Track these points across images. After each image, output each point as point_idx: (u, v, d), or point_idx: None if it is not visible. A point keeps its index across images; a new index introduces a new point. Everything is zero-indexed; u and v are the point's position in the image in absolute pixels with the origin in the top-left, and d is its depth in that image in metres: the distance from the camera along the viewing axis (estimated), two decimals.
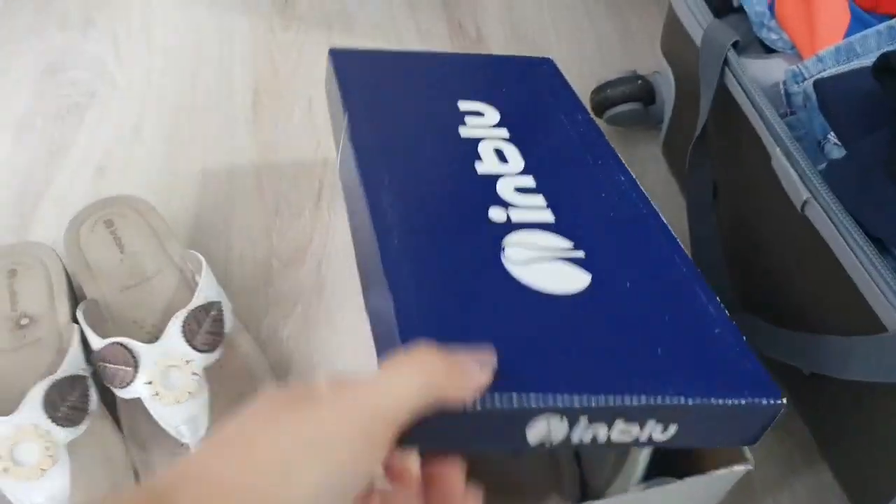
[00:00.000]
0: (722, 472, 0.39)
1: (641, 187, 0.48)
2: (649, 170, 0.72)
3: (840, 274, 0.46)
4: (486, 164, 0.47)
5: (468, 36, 0.84)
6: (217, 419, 0.52)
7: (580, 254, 0.41)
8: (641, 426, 0.33)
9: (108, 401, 0.52)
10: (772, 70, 0.61)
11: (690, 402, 0.33)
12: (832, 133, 0.53)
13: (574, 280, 0.39)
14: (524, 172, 0.47)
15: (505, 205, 0.43)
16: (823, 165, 0.51)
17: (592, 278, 0.39)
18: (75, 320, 0.53)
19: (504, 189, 0.45)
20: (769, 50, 0.65)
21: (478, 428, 0.32)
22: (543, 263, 0.40)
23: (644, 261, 0.42)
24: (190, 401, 0.50)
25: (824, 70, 0.55)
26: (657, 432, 0.34)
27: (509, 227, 0.42)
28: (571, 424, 0.32)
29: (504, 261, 0.39)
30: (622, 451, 0.42)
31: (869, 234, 0.45)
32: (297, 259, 0.65)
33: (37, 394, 0.46)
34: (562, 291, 0.38)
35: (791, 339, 0.52)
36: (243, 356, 0.56)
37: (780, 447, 0.55)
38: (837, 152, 0.53)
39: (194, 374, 0.50)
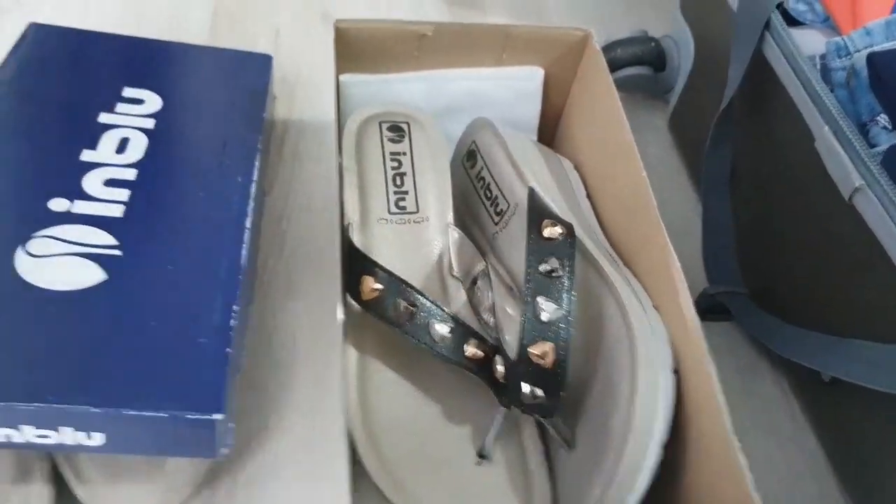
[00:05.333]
0: None
1: (253, 189, 0.46)
2: (650, 141, 0.66)
3: (889, 273, 0.41)
4: (98, 152, 0.45)
5: None
6: None
7: (116, 252, 0.40)
8: (57, 431, 0.34)
9: None
10: (806, 42, 0.55)
11: (100, 410, 0.34)
12: (883, 115, 0.47)
13: (81, 277, 0.38)
14: (133, 165, 0.45)
15: (76, 196, 0.42)
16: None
17: (109, 278, 0.39)
18: None
19: (91, 180, 0.44)
20: (793, 22, 0.59)
21: None
22: (61, 258, 0.39)
23: (183, 264, 0.41)
24: None
25: (873, 45, 0.50)
26: (81, 439, 0.34)
27: (62, 217, 0.41)
28: None
29: (17, 253, 0.38)
30: (607, 482, 0.37)
31: None
32: None
33: None
34: (58, 287, 0.37)
35: (814, 340, 0.46)
36: None
37: (782, 455, 0.50)
38: (886, 137, 0.47)
39: None
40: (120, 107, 0.49)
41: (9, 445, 0.34)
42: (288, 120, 0.61)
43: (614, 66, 0.63)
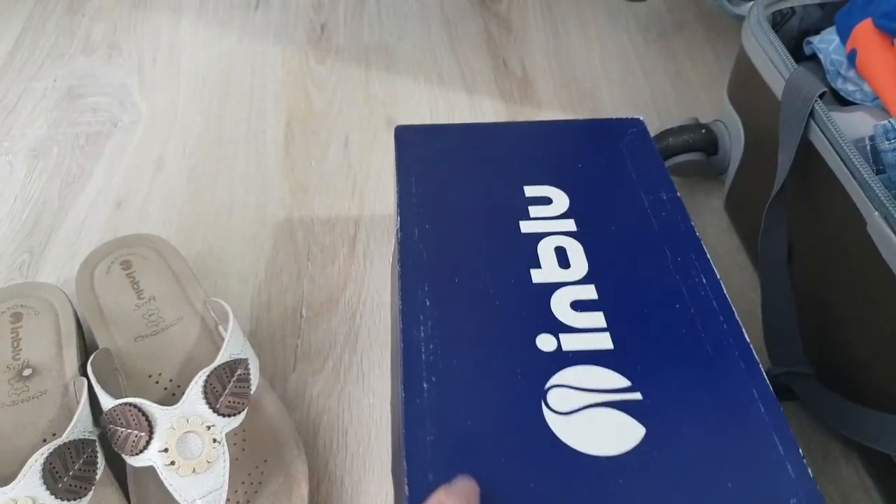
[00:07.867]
0: None
1: (725, 290, 0.41)
2: (708, 223, 0.67)
3: None
4: (545, 271, 0.42)
5: (513, 75, 0.79)
6: (236, 490, 0.47)
7: (636, 396, 0.36)
8: None
9: (117, 467, 0.47)
10: (854, 124, 0.56)
11: None
12: None
13: (624, 434, 0.34)
14: (586, 280, 0.41)
15: (556, 329, 0.39)
16: None
17: (647, 431, 0.34)
18: (84, 372, 0.48)
19: (559, 304, 0.40)
20: (843, 102, 0.60)
21: None
22: (591, 411, 0.35)
23: (714, 401, 0.36)
24: (209, 471, 0.44)
25: None
26: None
27: (558, 359, 0.37)
28: None
29: (545, 411, 0.35)
30: None
31: None
32: (329, 309, 0.59)
33: (36, 462, 0.41)
34: (606, 452, 0.34)
35: (878, 421, 0.46)
36: (268, 419, 0.50)
37: None
38: None
39: (215, 440, 0.44)
40: (533, 210, 0.46)
41: None
42: (359, 219, 0.66)
43: (668, 154, 0.65)
